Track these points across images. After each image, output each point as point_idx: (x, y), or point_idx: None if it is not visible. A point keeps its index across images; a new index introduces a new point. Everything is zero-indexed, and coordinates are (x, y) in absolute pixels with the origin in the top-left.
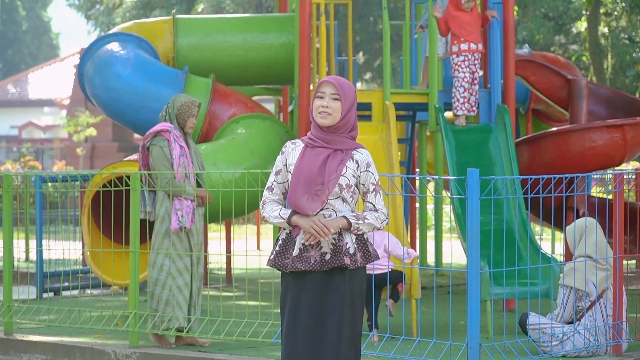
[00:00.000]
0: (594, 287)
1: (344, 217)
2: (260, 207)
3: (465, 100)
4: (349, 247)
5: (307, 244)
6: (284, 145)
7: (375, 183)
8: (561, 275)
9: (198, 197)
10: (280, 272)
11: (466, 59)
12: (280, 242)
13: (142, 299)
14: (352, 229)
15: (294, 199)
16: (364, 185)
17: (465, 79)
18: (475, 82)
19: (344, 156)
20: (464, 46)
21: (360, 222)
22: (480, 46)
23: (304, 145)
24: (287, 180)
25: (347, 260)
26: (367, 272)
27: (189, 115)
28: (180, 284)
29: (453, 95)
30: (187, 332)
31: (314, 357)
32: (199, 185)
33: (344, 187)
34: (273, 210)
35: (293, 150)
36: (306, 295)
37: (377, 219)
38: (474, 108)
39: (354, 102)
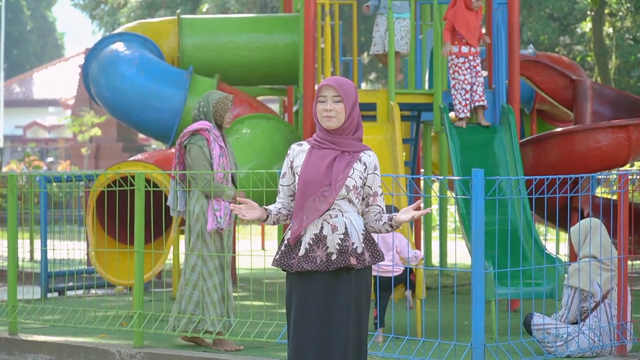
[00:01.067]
0: (598, 288)
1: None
2: None
3: (468, 102)
4: (357, 247)
5: (293, 236)
6: (289, 148)
7: (380, 186)
8: (566, 275)
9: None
10: (285, 272)
11: (466, 60)
12: (285, 242)
13: (146, 299)
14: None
15: (301, 200)
16: (370, 187)
17: (466, 81)
18: (479, 75)
19: (351, 158)
20: (464, 49)
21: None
22: (478, 49)
23: (310, 146)
24: (293, 182)
25: (353, 261)
26: (383, 274)
27: (225, 110)
28: (210, 287)
29: (453, 97)
30: (215, 334)
31: (321, 357)
32: (235, 184)
33: (351, 188)
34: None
35: (299, 152)
36: (312, 296)
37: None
38: (483, 97)
39: (356, 101)
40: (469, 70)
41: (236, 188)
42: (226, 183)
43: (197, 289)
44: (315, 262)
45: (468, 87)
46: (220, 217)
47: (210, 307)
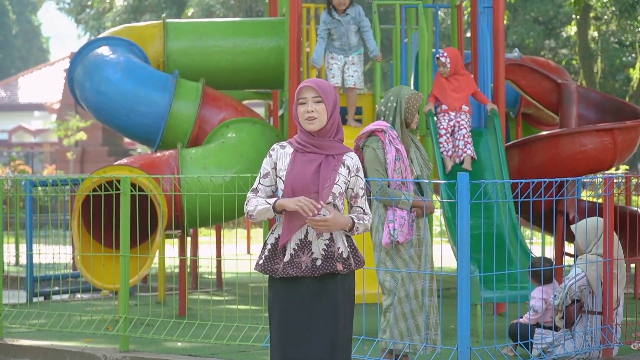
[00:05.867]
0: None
1: (349, 216)
2: (244, 206)
3: (449, 148)
4: (342, 252)
5: (296, 229)
6: (271, 148)
7: (363, 187)
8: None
9: (417, 207)
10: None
11: (447, 114)
12: (269, 246)
13: (132, 303)
14: (354, 228)
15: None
16: (352, 189)
17: (445, 130)
18: (462, 128)
19: (337, 162)
20: (444, 106)
21: (360, 222)
22: (465, 108)
23: (293, 150)
24: (274, 184)
25: (339, 266)
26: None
27: (416, 109)
28: (401, 297)
29: (440, 144)
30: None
31: None
32: (421, 190)
33: (337, 195)
34: (258, 201)
35: (282, 154)
36: (296, 301)
37: (369, 221)
38: (466, 150)
39: (337, 102)
40: (447, 122)
41: (422, 194)
42: (405, 189)
43: (389, 310)
44: (300, 267)
45: (448, 136)
46: (394, 229)
47: (394, 323)
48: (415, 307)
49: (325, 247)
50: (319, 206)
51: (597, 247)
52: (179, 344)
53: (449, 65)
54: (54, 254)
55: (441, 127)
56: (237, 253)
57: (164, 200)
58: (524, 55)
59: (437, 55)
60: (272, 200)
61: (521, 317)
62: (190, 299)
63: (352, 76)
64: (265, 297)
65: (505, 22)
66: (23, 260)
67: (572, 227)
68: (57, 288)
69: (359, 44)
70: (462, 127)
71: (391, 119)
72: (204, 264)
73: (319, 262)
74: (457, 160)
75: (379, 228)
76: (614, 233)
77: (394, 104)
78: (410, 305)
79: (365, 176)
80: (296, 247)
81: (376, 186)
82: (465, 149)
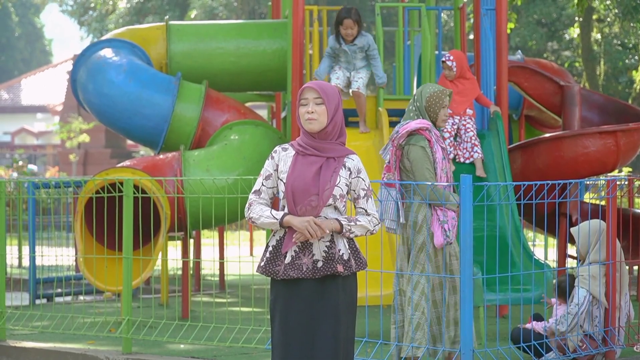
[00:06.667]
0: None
1: (336, 219)
2: (246, 209)
3: (452, 151)
4: (343, 254)
5: (298, 243)
6: (273, 150)
7: (365, 188)
8: (580, 276)
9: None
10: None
11: (450, 118)
12: (270, 248)
13: (135, 305)
14: (344, 231)
15: (289, 210)
16: (354, 191)
17: (450, 133)
18: (468, 130)
19: (337, 165)
20: (448, 110)
21: (352, 224)
22: (469, 111)
23: (295, 152)
24: (276, 186)
25: (339, 268)
26: None
27: (440, 106)
28: (430, 307)
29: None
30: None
31: None
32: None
33: (338, 197)
34: (263, 210)
35: (284, 156)
36: (298, 303)
37: (369, 222)
38: (472, 153)
39: (339, 105)
40: (452, 125)
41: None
42: (449, 189)
43: (418, 310)
44: (301, 269)
45: (451, 139)
46: (449, 229)
47: (419, 328)
48: (439, 315)
49: (326, 249)
50: (326, 232)
51: (596, 251)
52: (182, 346)
53: (455, 69)
54: (57, 256)
55: (444, 130)
56: (240, 255)
57: (166, 202)
58: (527, 58)
59: (443, 59)
60: (278, 215)
61: (526, 323)
62: (193, 301)
63: (357, 81)
64: (268, 299)
65: (513, 25)
66: (26, 262)
67: (572, 230)
68: (59, 290)
69: (367, 64)
70: (468, 130)
71: (416, 118)
72: (207, 266)
73: (319, 264)
74: (462, 160)
75: (423, 229)
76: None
77: (417, 103)
78: (438, 312)
79: (414, 175)
80: (297, 249)
81: (425, 188)
82: (473, 152)
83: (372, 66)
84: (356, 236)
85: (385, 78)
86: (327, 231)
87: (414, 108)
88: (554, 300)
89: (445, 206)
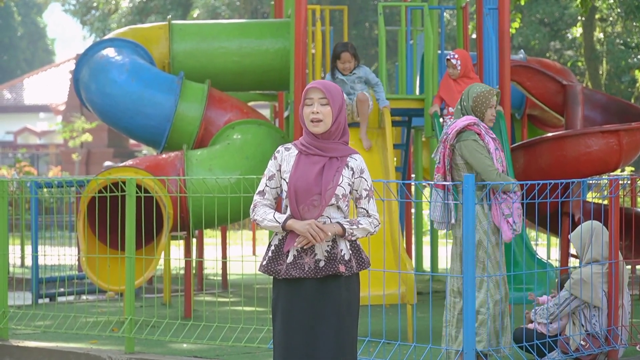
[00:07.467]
0: (604, 295)
1: (338, 222)
2: (251, 210)
3: None
4: (344, 254)
5: (299, 247)
6: (276, 150)
7: (367, 189)
8: (570, 279)
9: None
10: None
11: (453, 116)
12: (272, 247)
13: (137, 305)
14: (346, 234)
15: (292, 209)
16: (356, 191)
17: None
18: None
19: (340, 164)
20: (451, 109)
21: (355, 227)
22: None
23: (297, 152)
24: (280, 186)
25: (341, 268)
26: None
27: (486, 106)
28: (496, 299)
29: None
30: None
31: None
32: None
33: (340, 197)
34: (266, 213)
35: (287, 156)
36: (299, 303)
37: (370, 224)
38: None
39: (343, 105)
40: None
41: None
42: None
43: (483, 306)
44: (303, 269)
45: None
46: (515, 222)
47: (483, 324)
48: (502, 310)
49: (328, 249)
50: (329, 235)
51: (590, 252)
52: (185, 345)
53: (459, 67)
54: (60, 255)
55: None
56: (243, 254)
57: (169, 201)
58: (530, 57)
59: (448, 57)
60: (281, 218)
61: (528, 323)
62: (196, 300)
63: (360, 90)
64: (270, 298)
65: (518, 25)
66: (28, 261)
67: (570, 236)
68: (62, 290)
69: (367, 88)
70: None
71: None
72: (210, 265)
73: (321, 264)
74: None
75: (477, 227)
76: (607, 233)
77: (464, 102)
78: (500, 307)
79: (474, 168)
80: (299, 249)
81: (488, 171)
82: None
83: (375, 92)
84: (357, 238)
85: (388, 103)
86: (330, 234)
87: (460, 108)
88: (541, 298)
89: (508, 196)
